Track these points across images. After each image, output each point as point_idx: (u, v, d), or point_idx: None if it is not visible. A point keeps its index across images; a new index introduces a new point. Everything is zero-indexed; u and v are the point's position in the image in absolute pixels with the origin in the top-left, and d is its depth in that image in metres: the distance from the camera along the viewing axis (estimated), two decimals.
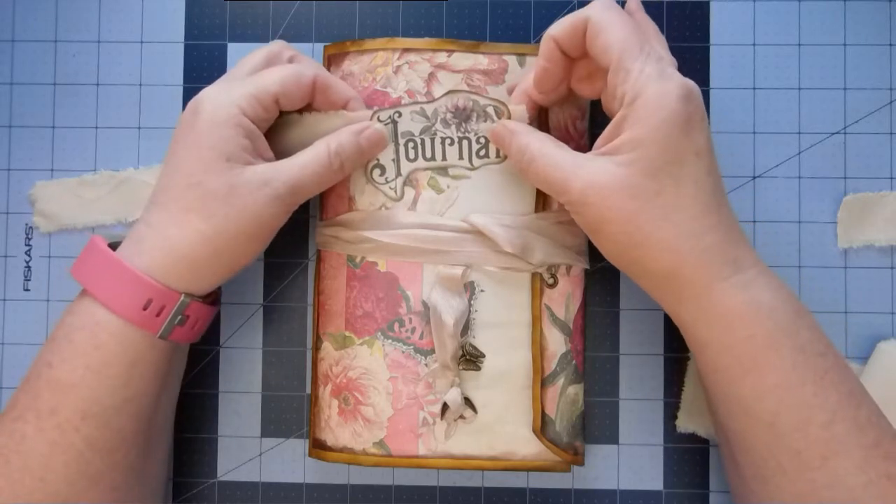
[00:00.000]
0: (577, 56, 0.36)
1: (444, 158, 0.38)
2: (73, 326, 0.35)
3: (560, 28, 0.35)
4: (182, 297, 0.35)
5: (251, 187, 0.35)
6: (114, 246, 0.36)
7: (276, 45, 0.39)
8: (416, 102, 0.38)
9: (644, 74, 0.32)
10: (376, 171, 0.39)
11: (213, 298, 0.39)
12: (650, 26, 0.37)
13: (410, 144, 0.38)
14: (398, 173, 0.38)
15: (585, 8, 0.34)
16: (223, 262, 0.36)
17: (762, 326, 0.33)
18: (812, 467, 0.32)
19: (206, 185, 0.34)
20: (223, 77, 0.38)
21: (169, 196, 0.35)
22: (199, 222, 0.35)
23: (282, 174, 0.35)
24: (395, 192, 0.38)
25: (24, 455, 0.33)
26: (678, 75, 0.33)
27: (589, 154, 0.34)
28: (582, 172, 0.33)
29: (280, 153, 0.38)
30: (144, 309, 0.34)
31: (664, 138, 0.32)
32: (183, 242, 0.35)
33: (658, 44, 0.36)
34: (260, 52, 0.38)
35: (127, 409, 0.35)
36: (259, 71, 0.37)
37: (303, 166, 0.36)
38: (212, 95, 0.35)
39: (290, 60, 0.38)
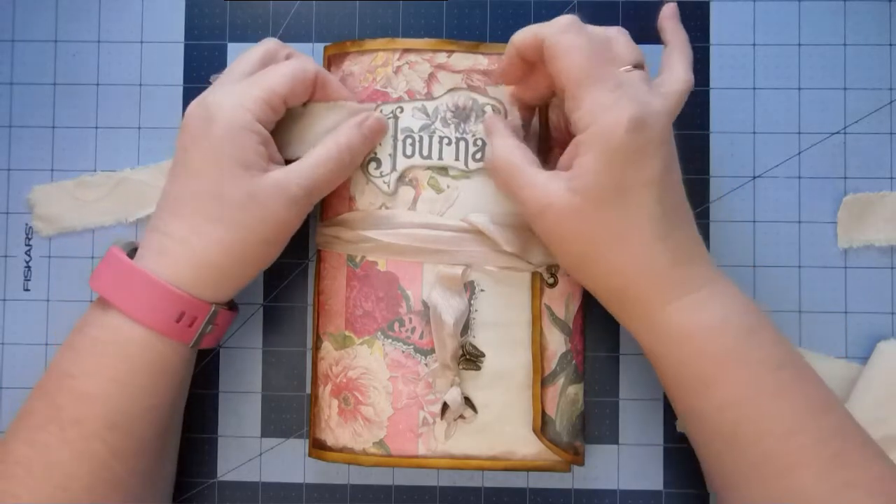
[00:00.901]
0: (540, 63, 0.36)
1: (440, 157, 0.38)
2: (99, 339, 0.35)
3: (521, 39, 0.35)
4: (213, 308, 0.36)
5: (269, 193, 0.35)
6: (129, 255, 0.36)
7: (272, 44, 0.38)
8: (418, 99, 0.39)
9: (596, 104, 0.32)
10: (372, 165, 0.39)
11: (232, 303, 0.39)
12: (679, 36, 0.37)
13: (409, 141, 0.38)
14: (393, 168, 0.38)
15: (545, 26, 0.34)
16: (246, 268, 0.36)
17: (712, 345, 0.33)
18: (772, 477, 0.32)
19: (226, 195, 0.35)
20: (221, 79, 0.37)
21: (188, 206, 0.35)
22: (222, 232, 0.35)
23: (297, 176, 0.36)
24: (388, 186, 0.38)
25: (47, 465, 0.33)
26: (635, 104, 0.32)
27: (551, 172, 0.34)
28: (539, 191, 0.34)
29: (284, 146, 0.38)
30: (177, 321, 0.35)
31: (609, 170, 0.32)
32: (208, 253, 0.35)
33: (680, 57, 0.36)
34: (256, 50, 0.38)
35: (149, 416, 0.36)
36: (257, 70, 0.37)
37: (315, 166, 0.36)
38: (222, 101, 0.35)
39: (287, 58, 0.38)
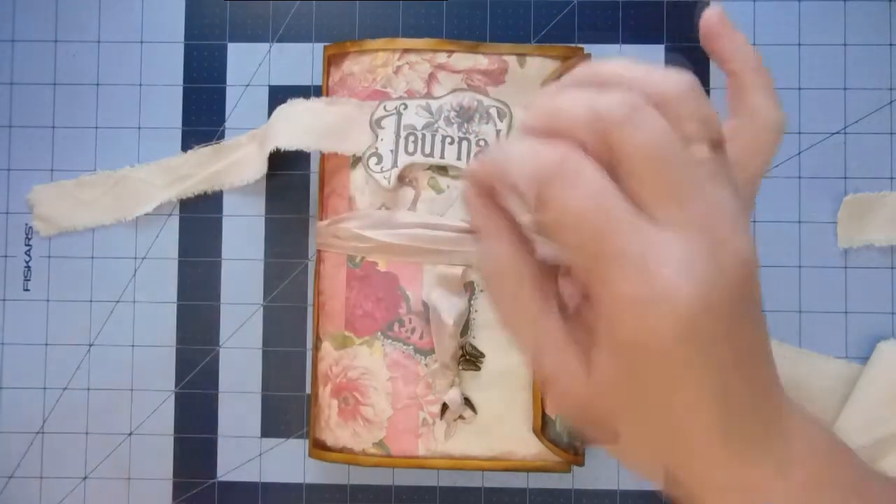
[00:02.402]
0: None
1: (442, 156, 0.38)
2: None
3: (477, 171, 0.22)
4: None
5: None
6: None
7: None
8: (422, 98, 0.39)
9: (616, 298, 0.19)
10: (373, 160, 0.39)
11: None
12: (745, 56, 0.27)
13: (411, 138, 0.38)
14: (394, 164, 0.38)
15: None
16: None
17: None
18: None
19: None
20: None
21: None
22: None
23: None
24: (388, 181, 0.38)
25: None
26: (685, 275, 0.18)
27: (568, 340, 0.22)
28: (548, 367, 0.22)
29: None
30: None
31: (636, 387, 0.21)
32: None
33: (756, 87, 0.27)
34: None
35: None
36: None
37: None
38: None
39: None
